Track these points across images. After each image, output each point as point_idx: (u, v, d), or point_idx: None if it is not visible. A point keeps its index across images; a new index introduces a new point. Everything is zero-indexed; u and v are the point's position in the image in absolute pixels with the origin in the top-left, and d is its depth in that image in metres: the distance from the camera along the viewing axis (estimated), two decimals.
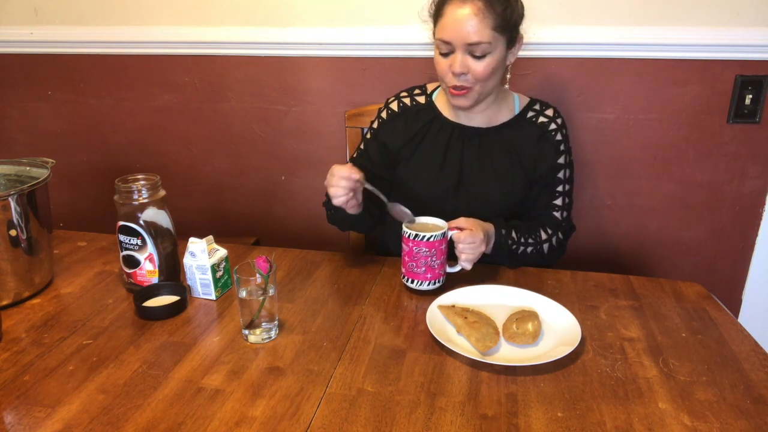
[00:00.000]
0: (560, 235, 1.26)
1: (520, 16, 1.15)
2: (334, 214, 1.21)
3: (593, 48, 1.51)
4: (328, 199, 1.19)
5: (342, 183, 1.08)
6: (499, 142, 1.24)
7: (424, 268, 1.06)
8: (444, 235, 1.06)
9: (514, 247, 1.18)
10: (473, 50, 1.10)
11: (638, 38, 1.47)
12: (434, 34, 1.16)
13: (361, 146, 1.34)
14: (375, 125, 1.33)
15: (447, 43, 1.11)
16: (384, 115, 1.31)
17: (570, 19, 1.49)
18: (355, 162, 1.32)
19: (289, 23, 1.64)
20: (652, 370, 0.86)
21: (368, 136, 1.34)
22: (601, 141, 1.60)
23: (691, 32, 1.45)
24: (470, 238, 1.07)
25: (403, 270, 1.09)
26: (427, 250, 1.04)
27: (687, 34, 1.45)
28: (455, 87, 1.14)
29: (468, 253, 1.07)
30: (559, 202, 1.27)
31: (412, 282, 1.08)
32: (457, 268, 1.10)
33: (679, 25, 1.45)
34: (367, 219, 1.22)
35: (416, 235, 1.04)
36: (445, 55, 1.13)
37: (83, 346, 0.92)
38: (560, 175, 1.26)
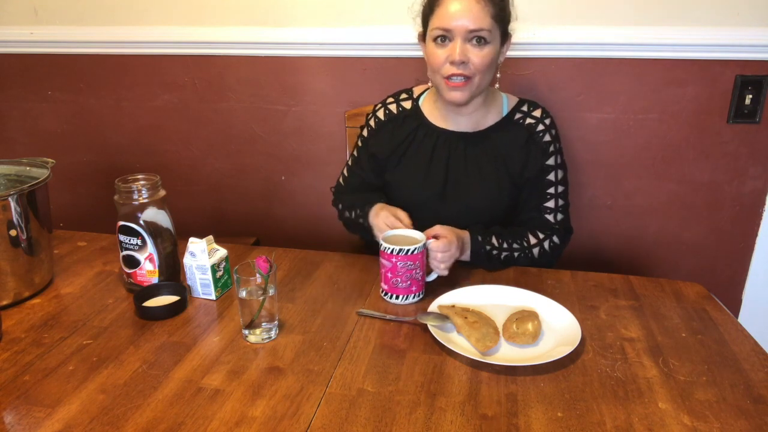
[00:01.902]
0: (555, 239, 1.22)
1: (510, 13, 1.15)
2: (366, 231, 1.24)
3: (593, 48, 1.51)
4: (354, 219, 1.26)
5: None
6: (486, 146, 1.23)
7: (409, 282, 1.04)
8: (425, 245, 1.06)
9: (495, 252, 1.16)
10: (473, 37, 1.09)
11: (638, 38, 1.47)
12: (428, 26, 1.14)
13: (355, 153, 1.36)
14: (365, 133, 1.33)
15: (446, 30, 1.10)
16: (372, 123, 1.31)
17: (570, 19, 1.49)
18: (352, 171, 1.35)
19: (289, 23, 1.64)
20: (652, 370, 0.86)
21: (359, 144, 1.34)
22: (601, 141, 1.60)
23: (691, 32, 1.45)
24: (444, 245, 1.06)
25: (385, 287, 1.06)
26: (411, 263, 1.03)
27: (687, 34, 1.45)
28: (453, 78, 1.12)
29: (441, 260, 1.07)
30: (551, 204, 1.24)
31: (397, 298, 1.06)
32: (433, 276, 1.09)
33: (679, 25, 1.45)
34: None
35: (400, 250, 1.02)
36: (442, 46, 1.12)
37: (83, 346, 0.92)
38: (550, 177, 1.24)
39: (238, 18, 1.66)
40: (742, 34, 1.43)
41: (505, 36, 1.15)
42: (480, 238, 1.15)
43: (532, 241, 1.21)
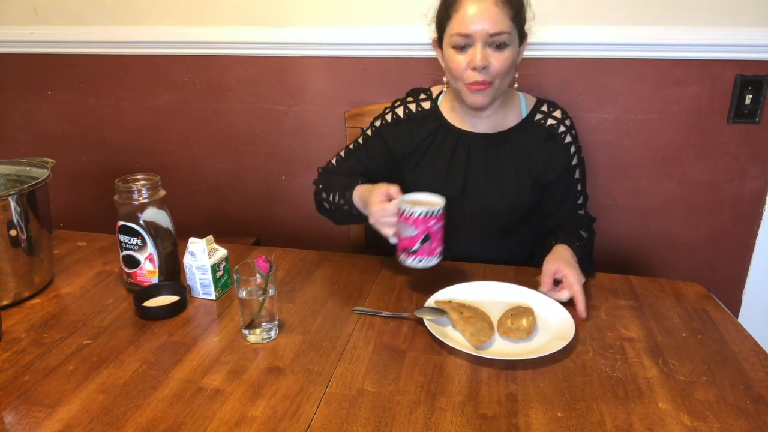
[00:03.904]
0: (592, 228, 1.31)
1: (529, 15, 1.15)
2: (346, 215, 1.20)
3: (593, 48, 1.51)
4: (333, 204, 1.22)
5: (386, 216, 1.04)
6: (506, 147, 1.23)
7: (441, 238, 1.04)
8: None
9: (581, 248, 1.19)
10: (494, 41, 1.08)
11: (638, 38, 1.47)
12: (444, 32, 1.13)
13: (359, 140, 1.33)
14: (377, 124, 1.31)
15: (466, 36, 1.08)
16: (389, 118, 1.30)
17: (570, 19, 1.49)
18: (352, 154, 1.32)
19: (289, 23, 1.64)
20: (652, 370, 0.86)
21: (369, 132, 1.32)
22: (601, 141, 1.60)
23: (691, 32, 1.45)
24: (579, 290, 1.03)
25: (438, 249, 1.03)
26: (444, 221, 1.03)
27: (687, 34, 1.45)
28: (475, 82, 1.11)
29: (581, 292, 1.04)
30: (581, 200, 1.29)
31: (436, 257, 1.03)
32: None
33: (679, 25, 1.45)
34: None
35: (441, 208, 1.00)
36: (462, 51, 1.10)
37: (83, 346, 0.92)
38: (576, 175, 1.28)
39: (238, 18, 1.66)
40: (742, 34, 1.43)
41: (522, 36, 1.15)
42: (577, 244, 1.16)
43: (585, 235, 1.26)
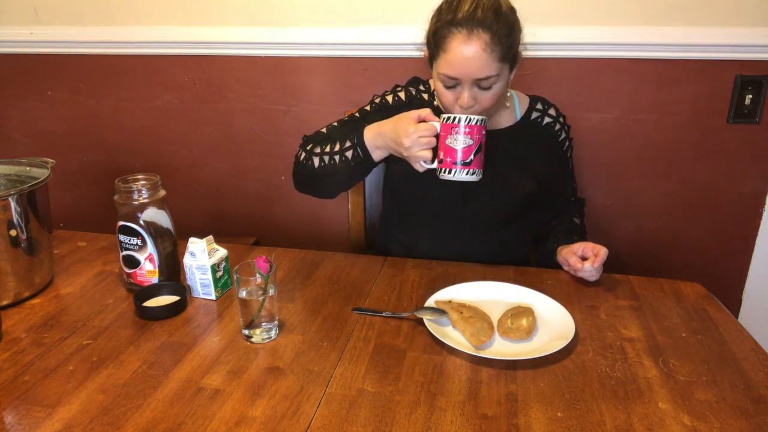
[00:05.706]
0: (582, 211, 1.37)
1: (522, 37, 1.12)
2: (343, 168, 1.16)
3: (593, 48, 1.51)
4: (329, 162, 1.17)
5: (425, 136, 1.03)
6: (505, 146, 1.23)
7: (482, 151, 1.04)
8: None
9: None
10: (481, 83, 1.07)
11: (638, 38, 1.47)
12: (435, 63, 1.11)
13: (356, 114, 1.29)
14: (378, 101, 1.28)
15: (453, 78, 1.07)
16: (390, 99, 1.27)
17: (570, 19, 1.50)
18: (348, 124, 1.27)
19: (289, 23, 1.64)
20: (652, 370, 0.86)
21: (368, 108, 1.29)
22: (601, 141, 1.60)
23: (691, 32, 1.45)
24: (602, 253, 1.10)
25: (483, 163, 1.04)
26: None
27: (687, 34, 1.45)
28: None
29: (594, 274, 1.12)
30: (573, 187, 1.36)
31: (482, 171, 1.05)
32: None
33: (679, 25, 1.46)
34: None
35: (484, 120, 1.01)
36: (450, 88, 1.10)
37: (83, 346, 0.92)
38: (569, 165, 1.32)
39: (238, 18, 1.66)
40: (742, 34, 1.43)
41: (515, 62, 1.12)
42: (573, 242, 1.20)
43: (578, 222, 1.34)
